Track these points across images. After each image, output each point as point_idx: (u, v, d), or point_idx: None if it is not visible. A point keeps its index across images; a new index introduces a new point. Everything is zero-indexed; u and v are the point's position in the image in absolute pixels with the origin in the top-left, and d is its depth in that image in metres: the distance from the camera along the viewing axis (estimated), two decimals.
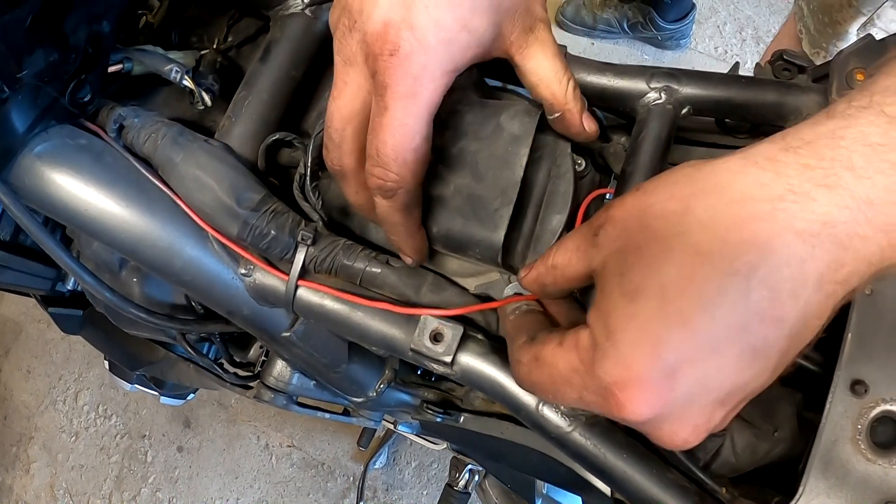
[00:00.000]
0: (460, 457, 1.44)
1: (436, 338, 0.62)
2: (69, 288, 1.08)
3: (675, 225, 0.42)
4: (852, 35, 1.46)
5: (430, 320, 0.63)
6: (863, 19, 1.41)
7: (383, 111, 0.53)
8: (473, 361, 0.63)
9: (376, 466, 2.23)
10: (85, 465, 2.43)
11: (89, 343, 1.24)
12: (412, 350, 0.63)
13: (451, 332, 0.62)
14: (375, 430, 2.05)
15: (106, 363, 1.42)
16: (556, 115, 0.62)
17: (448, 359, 0.62)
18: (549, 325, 0.56)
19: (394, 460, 2.27)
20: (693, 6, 2.57)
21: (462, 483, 1.59)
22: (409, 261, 0.65)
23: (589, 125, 0.63)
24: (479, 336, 0.65)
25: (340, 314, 0.66)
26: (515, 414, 0.64)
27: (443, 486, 1.66)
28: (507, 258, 0.65)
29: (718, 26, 2.76)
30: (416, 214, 0.61)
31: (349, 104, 0.56)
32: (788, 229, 0.39)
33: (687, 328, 0.40)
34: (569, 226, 0.66)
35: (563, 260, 0.51)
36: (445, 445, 1.34)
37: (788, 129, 0.42)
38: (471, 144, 0.63)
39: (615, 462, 0.62)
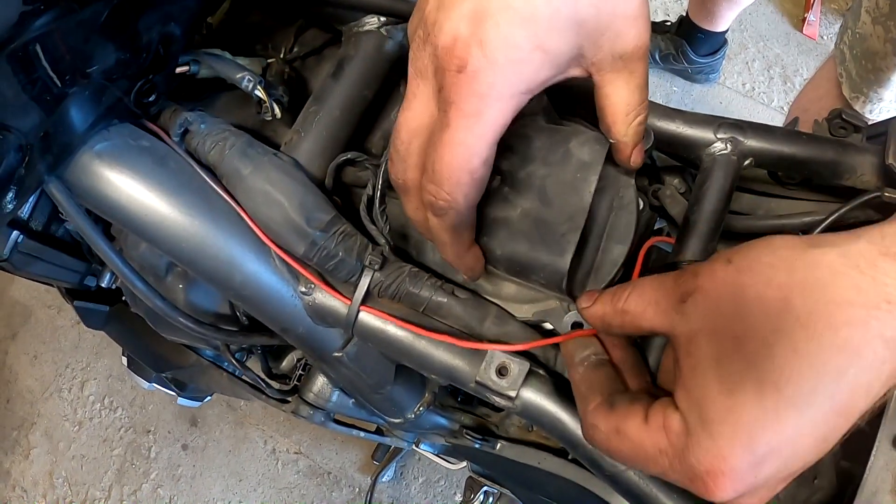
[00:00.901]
0: (478, 479, 1.42)
1: (501, 372, 0.62)
2: (102, 286, 1.07)
3: (775, 320, 0.43)
4: (893, 81, 1.46)
5: (497, 354, 0.62)
6: None
7: (445, 128, 0.52)
8: (535, 397, 0.63)
9: (384, 480, 2.22)
10: (86, 456, 2.41)
11: (113, 339, 1.22)
12: (477, 382, 0.63)
13: (518, 368, 0.62)
14: (391, 445, 2.04)
15: (124, 359, 1.41)
16: (612, 142, 0.61)
17: (513, 393, 0.62)
18: (621, 385, 0.56)
19: (401, 474, 2.26)
20: (725, 42, 2.57)
21: None
22: (464, 278, 0.65)
23: (636, 159, 0.62)
24: (541, 371, 0.64)
25: (403, 341, 0.65)
26: (572, 450, 0.64)
27: None
28: (569, 285, 0.64)
29: (747, 63, 2.76)
30: (467, 236, 0.60)
31: (417, 117, 0.55)
32: (878, 337, 0.41)
33: (780, 424, 0.42)
34: (629, 259, 0.66)
35: (637, 309, 0.52)
36: (463, 465, 1.33)
37: (886, 228, 0.45)
38: (539, 169, 0.62)
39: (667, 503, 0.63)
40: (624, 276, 0.68)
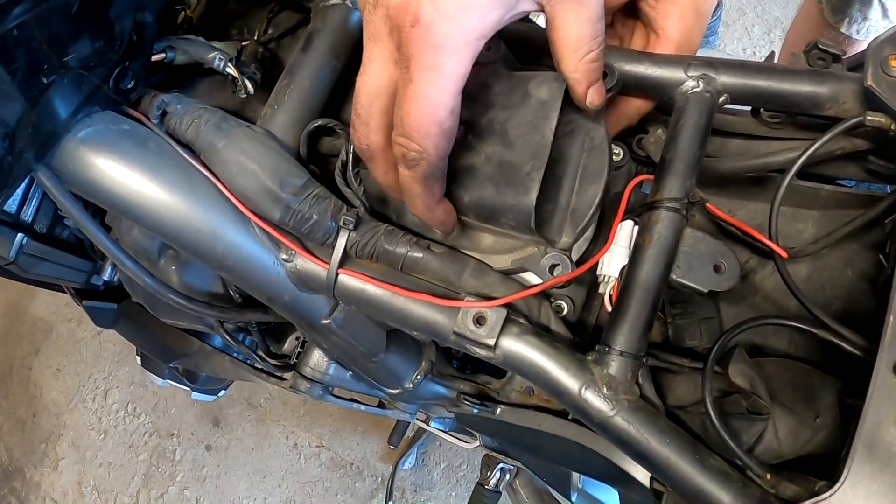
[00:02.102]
0: (493, 454, 1.43)
1: (479, 321, 0.62)
2: (104, 279, 1.09)
3: None
4: (875, 0, 1.45)
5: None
6: None
7: (408, 83, 0.53)
8: (516, 345, 0.63)
9: (405, 467, 2.23)
10: (113, 463, 2.45)
11: (123, 336, 1.25)
12: (455, 333, 0.63)
13: (495, 315, 0.62)
14: (406, 428, 2.05)
15: (138, 358, 1.43)
16: (566, 77, 0.62)
17: (491, 341, 0.62)
18: None
19: (423, 461, 2.27)
20: (720, 2, 2.56)
21: (493, 482, 1.59)
22: (437, 234, 0.66)
23: (592, 99, 0.63)
24: (522, 320, 0.65)
25: (382, 300, 0.66)
26: (558, 399, 0.64)
27: (472, 487, 1.66)
28: (545, 230, 0.65)
29: (746, 28, 2.74)
30: (437, 188, 0.61)
31: (376, 80, 0.56)
32: None
33: None
34: (605, 197, 0.67)
35: None
36: (477, 444, 1.34)
37: None
38: (499, 114, 0.64)
39: (658, 448, 0.61)
40: (602, 216, 0.69)
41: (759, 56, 2.70)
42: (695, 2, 0.72)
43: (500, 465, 1.55)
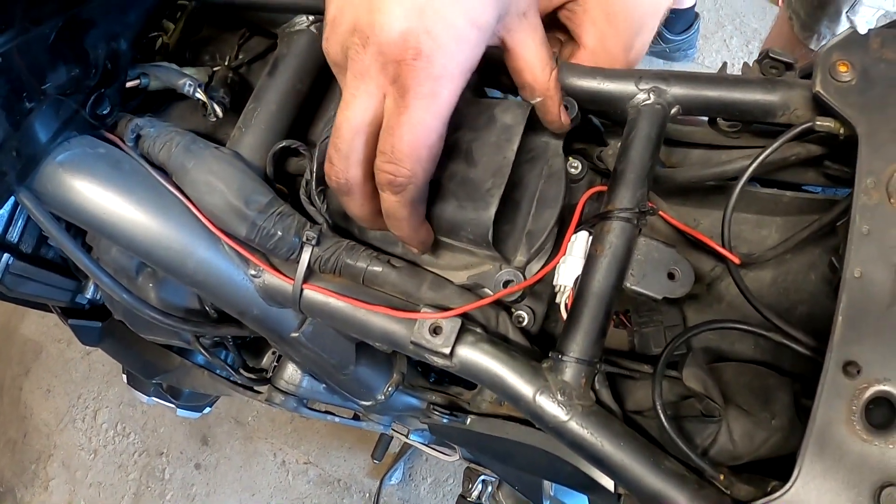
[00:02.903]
0: (473, 466, 1.45)
1: (435, 331, 0.65)
2: (88, 298, 1.12)
3: None
4: (842, 15, 1.48)
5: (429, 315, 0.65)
6: (850, 1, 1.43)
7: (403, 110, 0.56)
8: (472, 353, 0.65)
9: (392, 482, 2.24)
10: (103, 483, 2.45)
11: (108, 354, 1.27)
12: (412, 343, 0.66)
13: (450, 325, 0.65)
14: (389, 442, 2.06)
15: (124, 377, 1.45)
16: (538, 100, 0.67)
17: (447, 350, 0.64)
18: None
19: (409, 476, 2.28)
20: (697, 16, 2.60)
21: (475, 494, 1.60)
22: (414, 251, 0.69)
23: (564, 117, 0.69)
24: (478, 329, 0.67)
25: (344, 312, 0.69)
26: (514, 405, 0.66)
27: None
28: (502, 249, 0.68)
29: (725, 40, 2.78)
30: (422, 209, 0.64)
31: (360, 115, 0.59)
32: None
33: None
34: (560, 221, 0.70)
35: None
36: (458, 457, 1.35)
37: None
38: (466, 135, 0.67)
39: (613, 451, 0.63)
40: (557, 237, 0.72)
41: (738, 67, 2.73)
42: (605, 7, 0.75)
43: (482, 476, 1.57)
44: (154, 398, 1.42)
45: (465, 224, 0.65)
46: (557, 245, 0.71)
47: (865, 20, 1.48)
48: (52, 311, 1.14)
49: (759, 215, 0.78)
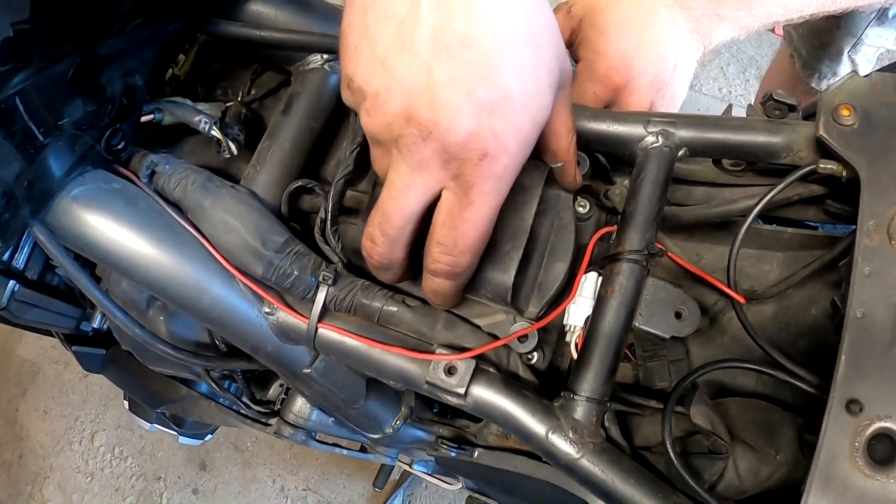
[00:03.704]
0: (475, 496, 1.45)
1: (450, 371, 0.66)
2: (94, 326, 1.12)
3: None
4: (844, 55, 1.50)
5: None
6: (852, 40, 1.45)
7: (466, 206, 0.57)
8: (485, 393, 0.66)
9: None
10: None
11: (111, 381, 1.27)
12: (427, 383, 0.67)
13: (465, 366, 0.66)
14: (391, 471, 2.06)
15: (125, 403, 1.45)
16: (558, 165, 0.68)
17: (462, 390, 0.65)
18: None
19: (409, 503, 2.27)
20: None
21: None
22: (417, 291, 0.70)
23: (578, 177, 0.71)
24: (491, 370, 0.68)
25: (359, 351, 0.70)
26: (526, 442, 0.67)
27: None
28: (514, 300, 0.70)
29: (722, 68, 2.81)
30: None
31: (412, 205, 0.59)
32: None
33: None
34: (570, 272, 0.72)
35: None
36: (460, 485, 1.35)
37: None
38: None
39: (623, 487, 0.64)
40: (566, 288, 0.73)
41: (735, 94, 2.76)
42: (593, 64, 0.81)
43: None
44: (156, 425, 1.42)
45: (484, 284, 0.68)
46: (568, 286, 0.72)
47: (867, 59, 1.49)
48: (53, 336, 1.14)
49: (761, 250, 0.80)
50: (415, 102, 0.52)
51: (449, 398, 0.67)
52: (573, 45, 0.87)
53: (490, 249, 0.66)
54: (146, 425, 1.42)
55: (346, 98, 0.58)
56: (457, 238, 0.59)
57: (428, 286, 0.65)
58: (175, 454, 2.43)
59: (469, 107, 0.52)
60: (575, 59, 0.86)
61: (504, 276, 0.67)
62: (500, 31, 0.51)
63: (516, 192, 0.67)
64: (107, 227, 0.70)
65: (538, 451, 0.67)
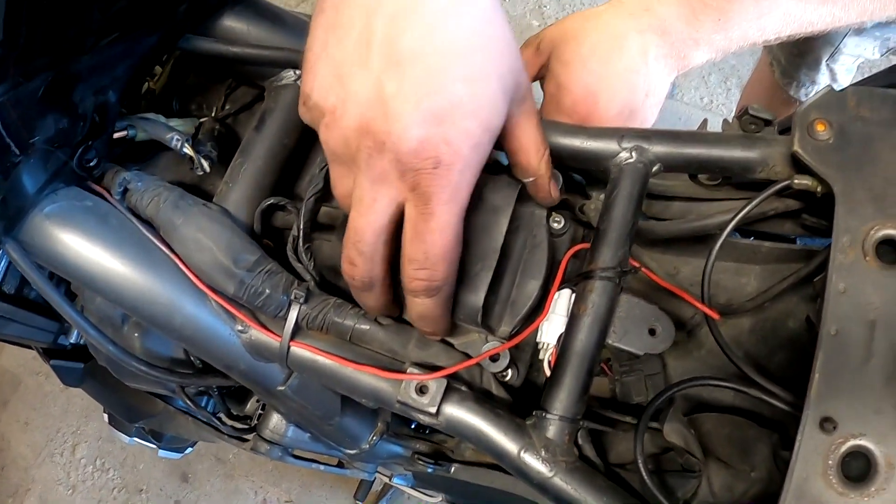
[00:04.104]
0: None
1: (421, 390, 0.66)
2: (71, 341, 1.11)
3: None
4: (822, 64, 1.51)
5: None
6: (830, 49, 1.46)
7: (429, 217, 0.57)
8: (457, 411, 0.66)
9: None
10: None
11: (89, 395, 1.26)
12: (399, 402, 0.66)
13: (436, 385, 0.66)
14: (372, 483, 2.05)
15: (105, 416, 1.44)
16: (530, 180, 0.68)
17: (433, 409, 0.65)
18: None
19: None
20: None
21: None
22: (436, 338, 0.70)
23: (554, 192, 0.71)
24: (463, 388, 0.68)
25: (331, 369, 0.69)
26: (499, 461, 0.67)
27: None
28: (486, 319, 0.70)
29: (703, 77, 2.81)
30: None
31: (381, 218, 0.59)
32: None
33: None
34: (543, 290, 0.72)
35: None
36: (441, 498, 1.35)
37: None
38: None
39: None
40: (539, 305, 0.73)
41: (717, 104, 2.78)
42: (557, 97, 0.82)
43: None
44: (136, 439, 1.41)
45: (455, 305, 0.67)
46: (541, 303, 0.72)
47: (846, 68, 1.50)
48: (31, 348, 1.14)
49: (737, 263, 0.79)
50: (368, 114, 0.54)
51: (421, 417, 0.66)
52: (542, 80, 0.87)
53: (460, 270, 0.65)
54: (126, 439, 1.42)
55: (304, 116, 0.60)
56: (426, 250, 0.59)
57: (413, 311, 0.65)
58: (157, 466, 2.41)
59: (418, 116, 0.53)
60: (544, 93, 0.86)
61: (474, 296, 0.67)
62: (447, 44, 0.53)
63: (487, 211, 0.68)
64: (79, 244, 0.70)
65: (511, 470, 0.66)
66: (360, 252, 0.62)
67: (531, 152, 0.66)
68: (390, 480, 1.21)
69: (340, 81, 0.54)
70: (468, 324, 0.70)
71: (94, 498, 2.43)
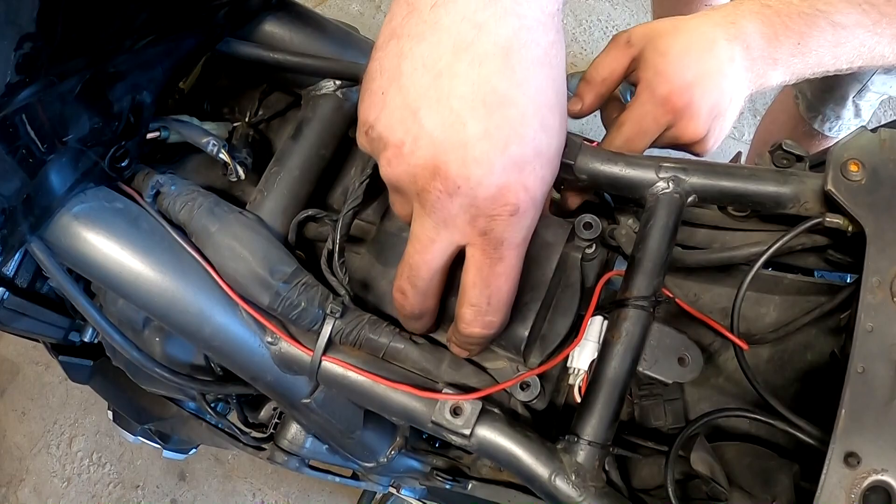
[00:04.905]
0: None
1: (455, 412, 0.66)
2: (85, 339, 1.10)
3: None
4: (849, 100, 1.51)
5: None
6: (858, 86, 1.46)
7: (497, 262, 0.57)
8: (490, 434, 0.66)
9: None
10: None
11: (97, 393, 1.25)
12: (433, 422, 0.66)
13: (471, 407, 0.65)
14: (374, 494, 2.04)
15: (110, 413, 1.43)
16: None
17: (467, 431, 0.65)
18: None
19: None
20: None
21: None
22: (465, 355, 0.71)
23: (572, 202, 0.77)
24: (496, 410, 0.68)
25: (363, 386, 0.69)
26: (528, 484, 0.67)
27: None
28: (525, 350, 0.71)
29: None
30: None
31: (439, 259, 0.59)
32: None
33: None
34: (574, 328, 0.73)
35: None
36: None
37: None
38: None
39: None
40: (566, 341, 0.73)
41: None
42: (653, 84, 0.82)
43: None
44: (140, 438, 1.40)
45: (501, 333, 0.68)
46: (567, 339, 0.73)
47: (870, 104, 1.51)
48: (38, 341, 1.13)
49: (758, 293, 0.80)
50: (444, 156, 0.51)
51: (454, 438, 0.66)
52: (633, 72, 0.88)
53: None
54: (129, 437, 1.40)
55: (363, 144, 0.57)
56: (490, 296, 0.59)
57: (460, 342, 0.66)
58: (154, 463, 2.40)
59: (502, 162, 0.52)
60: (635, 82, 0.87)
61: (521, 326, 0.68)
62: (539, 94, 0.52)
63: (540, 246, 0.69)
64: (107, 247, 0.70)
65: (539, 493, 0.67)
66: (414, 286, 0.62)
67: None
68: (398, 491, 1.21)
69: (414, 116, 0.52)
70: (508, 352, 0.71)
71: (89, 492, 2.41)
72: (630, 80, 0.89)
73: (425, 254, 0.58)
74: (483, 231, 0.55)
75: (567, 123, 0.59)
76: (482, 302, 0.59)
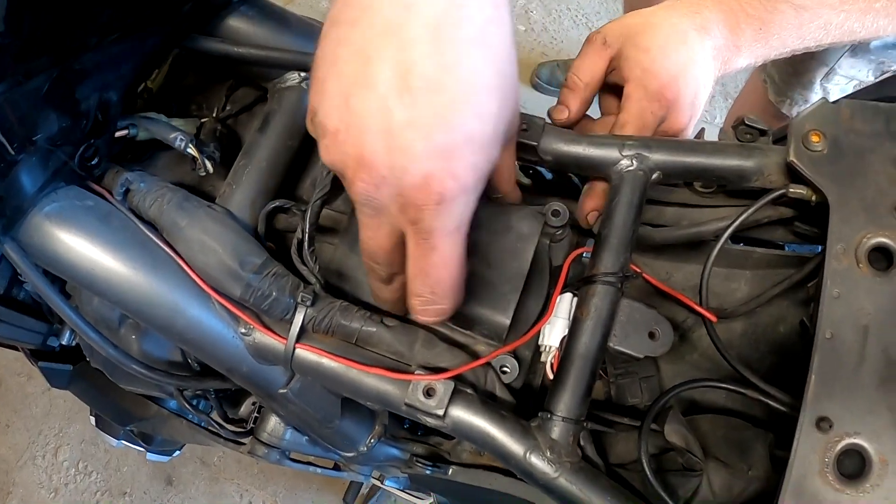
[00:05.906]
0: None
1: (428, 393, 0.66)
2: (63, 343, 1.10)
3: None
4: (816, 84, 1.53)
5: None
6: (825, 69, 1.48)
7: (431, 251, 0.56)
8: (464, 414, 0.66)
9: None
10: None
11: (77, 397, 1.25)
12: (406, 405, 0.67)
13: (443, 388, 0.66)
14: (361, 486, 2.05)
15: (92, 418, 1.43)
16: (498, 196, 0.75)
17: (440, 412, 0.65)
18: None
19: None
20: None
21: None
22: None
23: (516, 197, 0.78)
24: (469, 391, 0.68)
25: (336, 372, 0.69)
26: (504, 462, 0.67)
27: None
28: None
29: None
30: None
31: (386, 242, 0.59)
32: None
33: None
34: (545, 308, 0.74)
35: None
36: (431, 500, 1.35)
37: None
38: (483, 236, 0.71)
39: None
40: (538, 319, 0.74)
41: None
42: (644, 82, 0.83)
43: None
44: (124, 441, 1.40)
45: (482, 322, 0.71)
46: (540, 316, 0.74)
47: (839, 88, 1.52)
48: (17, 349, 1.12)
49: (729, 269, 0.81)
50: (370, 146, 0.51)
51: (427, 419, 0.67)
52: (613, 71, 0.88)
53: (488, 289, 0.69)
54: (113, 441, 1.40)
55: (311, 130, 0.57)
56: (432, 286, 0.59)
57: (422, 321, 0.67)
58: (141, 469, 2.39)
59: (427, 149, 0.50)
60: (619, 82, 0.87)
61: (502, 316, 0.70)
62: (471, 77, 0.50)
63: (515, 238, 0.71)
64: (80, 245, 0.70)
65: (516, 471, 0.67)
66: (377, 262, 0.62)
67: (506, 181, 0.72)
68: (381, 482, 1.22)
69: (346, 103, 0.51)
70: (490, 339, 0.73)
71: (77, 501, 2.41)
72: (610, 79, 0.89)
73: (371, 240, 0.59)
74: (413, 220, 0.54)
75: (517, 104, 0.58)
76: (426, 292, 0.59)
